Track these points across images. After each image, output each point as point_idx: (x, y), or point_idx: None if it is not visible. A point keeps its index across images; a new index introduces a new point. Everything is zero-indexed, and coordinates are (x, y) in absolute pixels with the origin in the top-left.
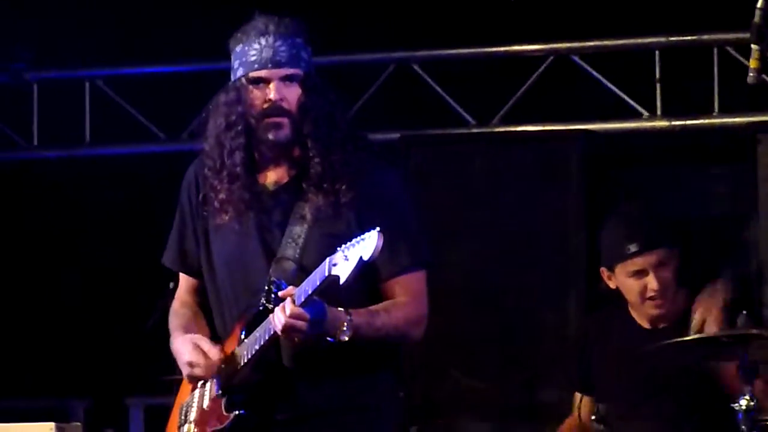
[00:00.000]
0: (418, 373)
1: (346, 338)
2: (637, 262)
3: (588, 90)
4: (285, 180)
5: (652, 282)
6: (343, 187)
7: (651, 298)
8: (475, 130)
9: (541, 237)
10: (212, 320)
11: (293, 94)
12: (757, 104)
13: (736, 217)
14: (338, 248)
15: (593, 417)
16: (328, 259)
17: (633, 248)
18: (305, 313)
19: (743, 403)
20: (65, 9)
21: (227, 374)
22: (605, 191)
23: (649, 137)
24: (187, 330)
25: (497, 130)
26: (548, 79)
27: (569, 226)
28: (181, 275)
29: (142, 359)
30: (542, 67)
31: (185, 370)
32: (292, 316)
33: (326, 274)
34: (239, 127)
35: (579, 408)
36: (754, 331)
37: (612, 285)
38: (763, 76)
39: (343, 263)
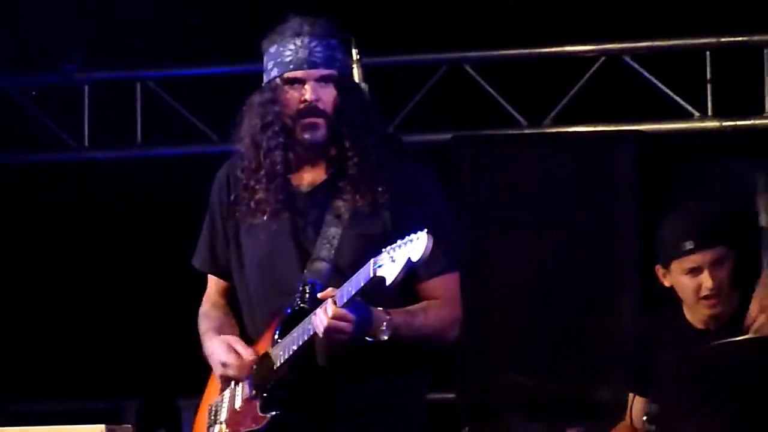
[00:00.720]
0: (471, 373)
1: (386, 338)
2: (694, 260)
3: (639, 90)
4: (321, 180)
5: (707, 280)
6: (380, 188)
7: (705, 297)
8: (527, 131)
9: (594, 237)
10: (242, 322)
11: (329, 95)
12: None
13: None
14: (383, 249)
15: (645, 417)
16: (372, 260)
17: (689, 245)
18: (349, 314)
19: None
20: (116, 9)
21: (261, 375)
22: (657, 191)
23: (701, 137)
24: (220, 331)
25: (549, 130)
26: (600, 80)
27: (622, 226)
28: (210, 277)
29: (194, 360)
30: (594, 68)
31: (218, 371)
32: (336, 317)
33: (371, 274)
34: (276, 127)
35: (631, 409)
36: None
37: (667, 283)
38: None
39: (389, 264)
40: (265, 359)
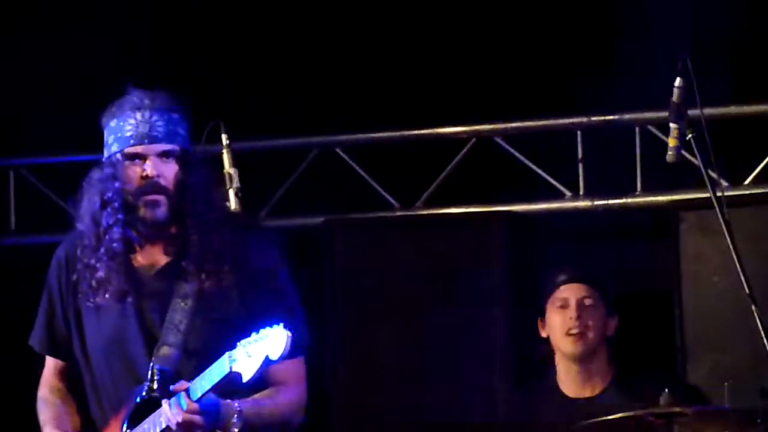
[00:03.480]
0: None
1: (236, 430)
2: (563, 291)
3: (511, 171)
4: (164, 262)
5: (572, 312)
6: (226, 267)
7: (569, 333)
8: (399, 213)
9: (467, 317)
10: (85, 403)
11: (170, 170)
12: (679, 182)
13: (659, 294)
14: (237, 343)
15: None
16: (227, 355)
17: (561, 277)
18: (203, 409)
19: None
20: None
21: None
22: (528, 270)
23: (573, 217)
24: (58, 423)
25: (421, 212)
26: (471, 161)
27: (494, 306)
28: (48, 358)
29: None
30: (465, 149)
31: None
32: (190, 411)
33: (227, 370)
34: (116, 204)
35: None
36: (677, 409)
37: (544, 334)
38: (683, 153)
39: (245, 360)
40: None
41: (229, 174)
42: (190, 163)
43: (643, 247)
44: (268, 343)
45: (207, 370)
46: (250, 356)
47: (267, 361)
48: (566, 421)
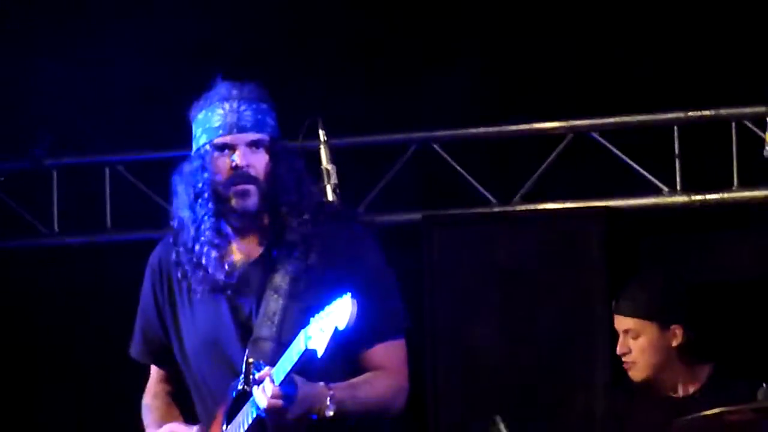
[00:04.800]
0: None
1: (331, 413)
2: (615, 321)
3: (608, 166)
4: (257, 254)
5: (620, 346)
6: (318, 257)
7: (623, 362)
8: (496, 209)
9: (565, 314)
10: (191, 408)
11: (260, 160)
12: None
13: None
14: (311, 319)
15: None
16: (302, 332)
17: (613, 306)
18: (286, 393)
19: None
20: (85, 94)
21: None
22: (627, 267)
23: (670, 213)
24: (161, 424)
25: (518, 208)
26: (568, 157)
27: (593, 302)
28: (152, 366)
29: None
30: (562, 145)
31: None
32: (274, 396)
33: (303, 348)
34: (206, 195)
35: None
36: None
37: None
38: None
39: (319, 335)
40: None
41: (327, 170)
42: (280, 153)
43: (739, 239)
44: (337, 313)
45: (286, 351)
46: (322, 331)
47: (337, 332)
48: (663, 418)
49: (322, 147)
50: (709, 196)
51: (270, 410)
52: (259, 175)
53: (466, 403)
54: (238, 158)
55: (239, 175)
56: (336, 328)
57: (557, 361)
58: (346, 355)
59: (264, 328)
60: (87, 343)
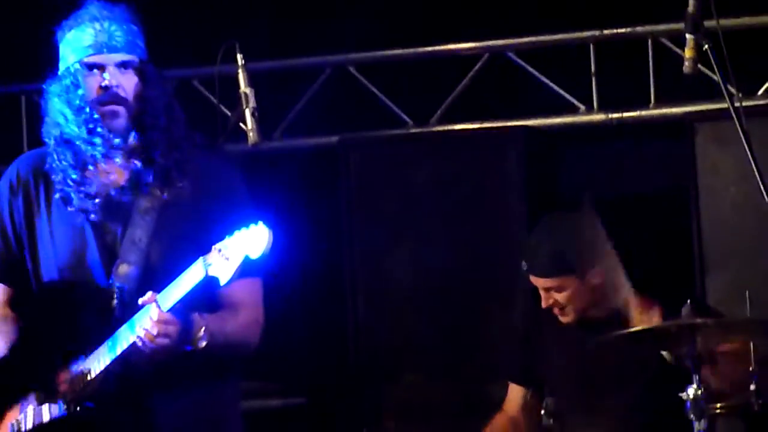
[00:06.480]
0: (368, 376)
1: (204, 344)
2: (531, 279)
3: (525, 86)
4: (125, 176)
5: (544, 301)
6: (189, 183)
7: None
8: (413, 131)
9: (485, 234)
10: (40, 330)
11: (130, 81)
12: (694, 94)
13: (675, 202)
14: (212, 246)
15: (543, 411)
16: (201, 259)
17: (524, 266)
18: (175, 318)
19: (690, 392)
20: None
21: (72, 389)
22: (547, 185)
23: (587, 130)
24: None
25: (435, 129)
26: (485, 77)
27: (513, 222)
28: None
29: None
30: (478, 65)
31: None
32: (161, 321)
33: (202, 275)
34: (87, 110)
35: (510, 400)
36: (699, 320)
37: None
38: (699, 65)
39: (222, 263)
40: (75, 372)
41: (245, 93)
42: (150, 75)
43: (658, 158)
44: (248, 241)
45: (177, 278)
46: (227, 259)
47: (247, 261)
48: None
49: (240, 71)
50: (626, 114)
51: (155, 336)
52: (128, 96)
53: (386, 325)
54: (107, 78)
55: (108, 95)
56: (247, 256)
57: (479, 281)
58: (206, 289)
59: (130, 253)
60: None
